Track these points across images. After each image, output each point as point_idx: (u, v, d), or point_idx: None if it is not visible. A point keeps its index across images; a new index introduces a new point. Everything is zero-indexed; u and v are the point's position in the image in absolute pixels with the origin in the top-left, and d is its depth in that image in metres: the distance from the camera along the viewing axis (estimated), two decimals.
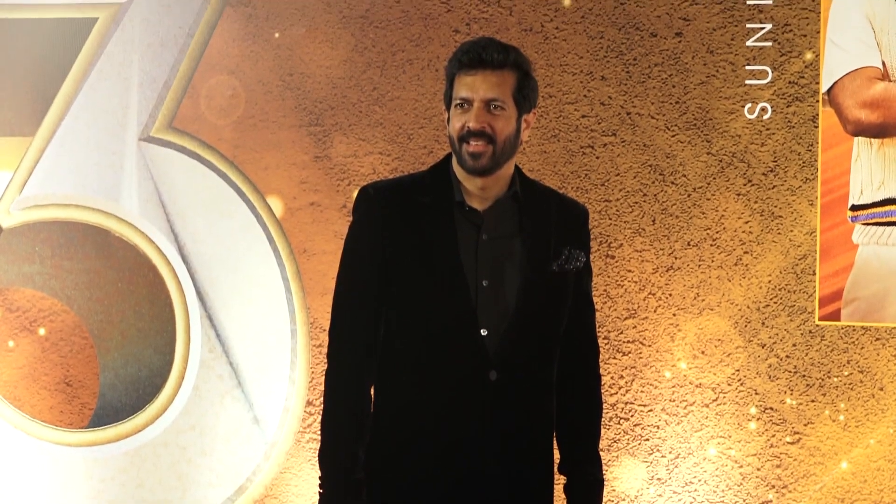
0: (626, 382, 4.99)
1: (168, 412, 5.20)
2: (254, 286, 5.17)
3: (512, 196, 3.28)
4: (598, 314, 3.64)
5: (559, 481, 3.35)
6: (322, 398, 3.31)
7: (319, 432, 3.29)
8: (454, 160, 3.28)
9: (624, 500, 4.99)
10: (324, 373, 3.32)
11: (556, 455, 3.35)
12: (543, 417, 3.30)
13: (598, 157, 5.01)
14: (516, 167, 3.30)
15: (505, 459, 3.23)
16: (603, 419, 3.49)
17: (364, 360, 3.26)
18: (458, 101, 3.22)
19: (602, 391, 3.46)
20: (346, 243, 3.34)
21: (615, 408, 4.98)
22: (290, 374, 5.13)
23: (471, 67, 3.21)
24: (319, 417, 4.98)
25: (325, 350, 5.00)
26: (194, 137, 5.20)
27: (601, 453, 3.42)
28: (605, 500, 4.23)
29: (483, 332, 3.21)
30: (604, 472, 3.41)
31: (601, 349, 3.81)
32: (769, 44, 4.91)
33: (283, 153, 5.15)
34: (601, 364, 3.50)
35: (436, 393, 3.22)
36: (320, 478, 3.25)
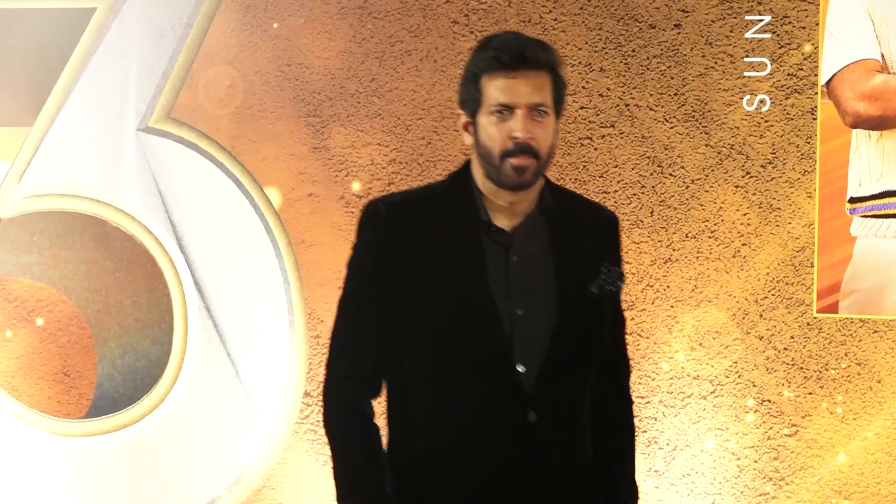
0: None
1: (166, 402, 5.20)
2: (251, 277, 5.17)
3: (541, 210, 2.91)
4: None
5: None
6: (324, 433, 2.97)
7: (332, 478, 2.97)
8: (476, 171, 2.89)
9: None
10: (320, 389, 3.00)
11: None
12: (583, 455, 2.96)
13: (596, 149, 5.01)
14: (545, 177, 2.94)
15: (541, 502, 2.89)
16: None
17: (362, 398, 2.89)
18: (498, 108, 2.79)
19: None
20: (351, 267, 2.92)
21: None
22: (288, 365, 5.13)
23: (510, 68, 2.77)
24: (317, 409, 4.98)
25: (322, 341, 5.01)
26: (192, 128, 5.19)
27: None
28: None
29: (520, 369, 2.83)
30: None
31: None
32: (768, 36, 4.91)
33: (281, 144, 5.15)
34: None
35: (467, 439, 2.84)
36: None
